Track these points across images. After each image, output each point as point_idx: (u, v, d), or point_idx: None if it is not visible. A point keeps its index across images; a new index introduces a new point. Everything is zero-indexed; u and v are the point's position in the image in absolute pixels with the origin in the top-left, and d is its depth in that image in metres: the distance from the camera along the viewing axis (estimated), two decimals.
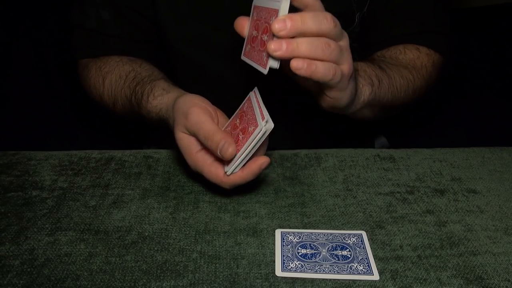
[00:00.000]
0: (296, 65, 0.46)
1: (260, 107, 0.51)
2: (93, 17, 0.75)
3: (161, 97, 0.60)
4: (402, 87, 0.67)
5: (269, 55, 0.46)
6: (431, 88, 0.75)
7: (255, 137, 0.48)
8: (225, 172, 0.50)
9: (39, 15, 1.36)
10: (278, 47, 0.44)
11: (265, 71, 0.47)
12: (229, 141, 0.48)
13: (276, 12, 0.46)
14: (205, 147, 0.51)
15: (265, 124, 0.48)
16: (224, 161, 0.51)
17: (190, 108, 0.52)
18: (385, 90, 0.63)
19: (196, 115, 0.51)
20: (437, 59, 0.74)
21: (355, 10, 0.72)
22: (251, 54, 0.50)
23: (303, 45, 0.45)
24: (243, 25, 0.52)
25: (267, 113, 0.49)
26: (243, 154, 0.49)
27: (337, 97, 0.53)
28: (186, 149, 0.53)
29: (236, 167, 0.50)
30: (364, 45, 0.79)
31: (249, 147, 0.48)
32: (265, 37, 0.48)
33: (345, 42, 0.49)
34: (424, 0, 0.73)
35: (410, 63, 0.70)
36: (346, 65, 0.50)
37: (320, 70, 0.47)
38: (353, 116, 0.63)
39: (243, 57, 0.52)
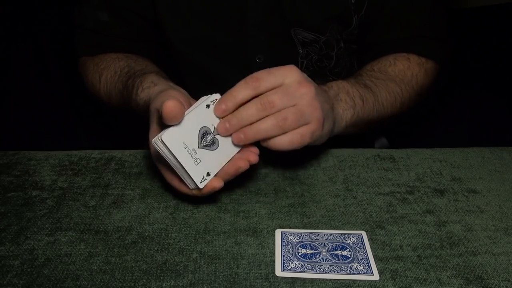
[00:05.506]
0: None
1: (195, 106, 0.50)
2: (90, 18, 0.75)
3: (148, 90, 0.58)
4: (388, 102, 0.66)
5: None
6: (425, 96, 0.74)
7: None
8: (194, 188, 0.49)
9: (39, 15, 1.36)
10: (238, 137, 0.47)
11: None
12: (175, 97, 0.46)
13: None
14: None
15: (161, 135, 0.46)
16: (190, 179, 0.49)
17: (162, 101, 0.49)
18: (369, 108, 0.62)
19: (162, 97, 0.50)
20: (430, 67, 0.73)
21: (353, 13, 0.72)
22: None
23: (262, 132, 0.47)
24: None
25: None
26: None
27: (316, 142, 0.53)
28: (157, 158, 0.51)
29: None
30: (362, 47, 0.79)
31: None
32: None
33: (304, 100, 0.48)
34: (421, 5, 0.73)
35: (399, 75, 0.69)
36: (314, 122, 0.49)
37: (283, 142, 0.48)
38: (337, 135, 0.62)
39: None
